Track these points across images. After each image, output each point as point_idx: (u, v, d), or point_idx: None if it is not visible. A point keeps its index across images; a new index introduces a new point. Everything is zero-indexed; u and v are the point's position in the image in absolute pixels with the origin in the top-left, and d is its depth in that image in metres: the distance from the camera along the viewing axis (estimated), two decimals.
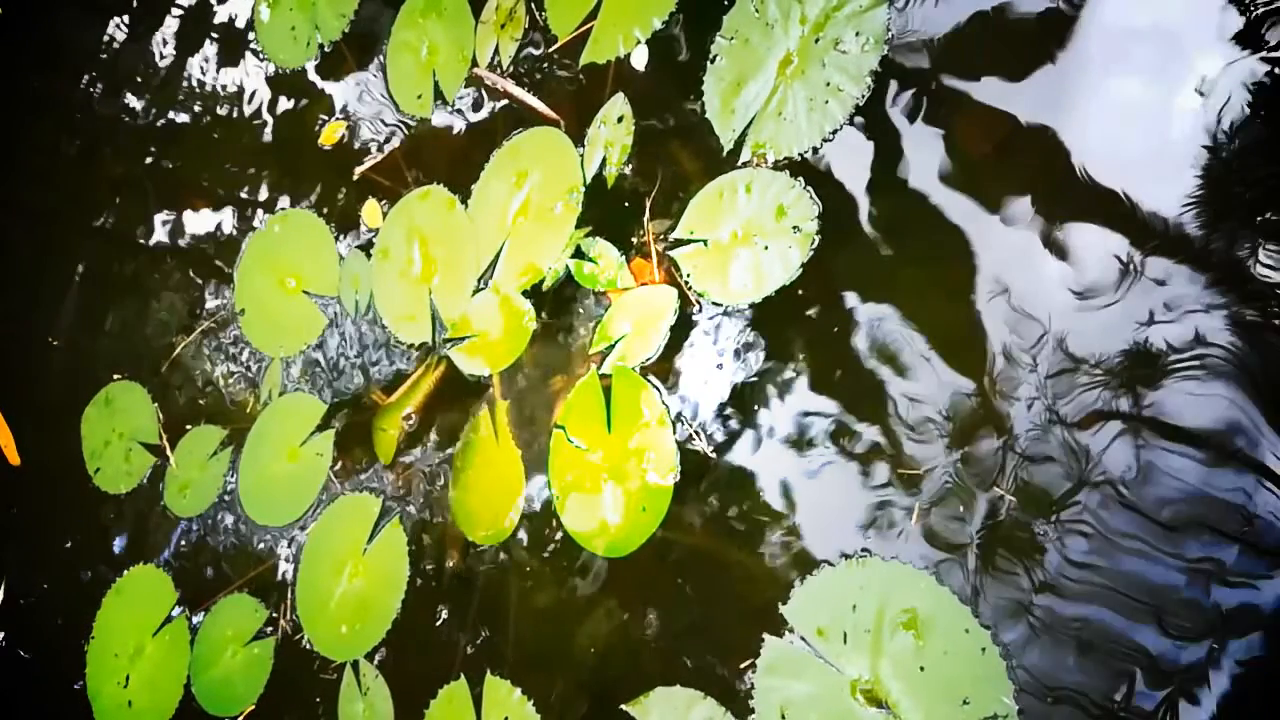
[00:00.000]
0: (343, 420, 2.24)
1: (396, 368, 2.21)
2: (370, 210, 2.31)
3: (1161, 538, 1.35)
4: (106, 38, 3.12)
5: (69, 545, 2.72)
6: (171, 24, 2.99)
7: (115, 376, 2.69)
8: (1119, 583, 1.37)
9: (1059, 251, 1.49)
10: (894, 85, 1.67)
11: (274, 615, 2.19)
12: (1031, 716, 1.37)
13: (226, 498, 2.37)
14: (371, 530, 2.09)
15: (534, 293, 2.00)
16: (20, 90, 3.32)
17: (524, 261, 2.01)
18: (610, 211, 1.95)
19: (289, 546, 2.24)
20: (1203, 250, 1.38)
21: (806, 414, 1.66)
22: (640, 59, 1.98)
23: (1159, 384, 1.38)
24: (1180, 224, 1.40)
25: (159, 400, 2.59)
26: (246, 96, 2.71)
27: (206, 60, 2.85)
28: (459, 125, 2.24)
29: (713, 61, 1.87)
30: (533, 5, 2.15)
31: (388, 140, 2.36)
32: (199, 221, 2.72)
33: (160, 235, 2.80)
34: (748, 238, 1.76)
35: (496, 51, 2.18)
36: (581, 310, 1.96)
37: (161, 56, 2.97)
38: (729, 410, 1.74)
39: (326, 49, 2.52)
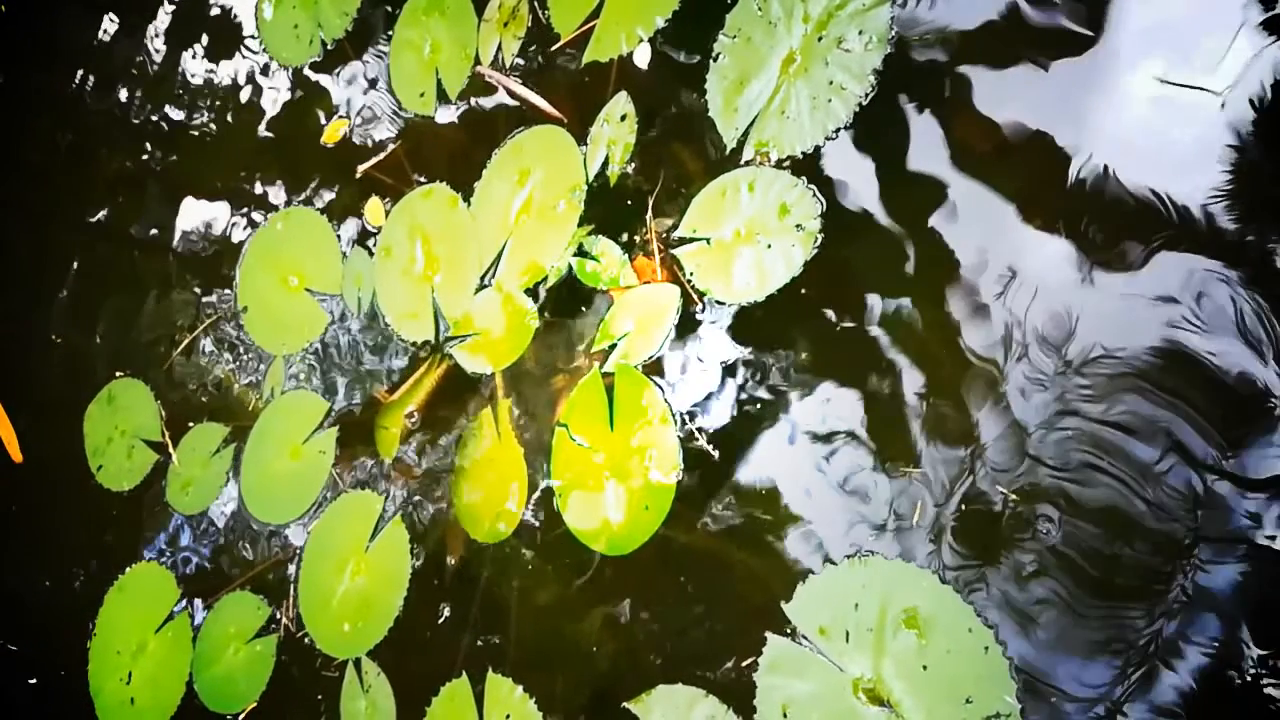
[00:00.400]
0: (345, 418, 2.24)
1: (399, 366, 2.21)
2: (373, 208, 2.31)
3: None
4: (109, 36, 3.12)
5: (71, 542, 2.72)
6: (174, 22, 2.99)
7: (117, 374, 2.70)
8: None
9: (1071, 245, 1.49)
10: (898, 82, 1.67)
11: (276, 613, 2.19)
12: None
13: (228, 495, 2.37)
14: (374, 528, 2.09)
15: (536, 291, 2.00)
16: (22, 88, 3.32)
17: (526, 260, 2.01)
18: (613, 210, 1.95)
19: (292, 541, 2.24)
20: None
21: (809, 412, 1.66)
22: (643, 57, 1.98)
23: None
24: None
25: (161, 397, 2.59)
26: (249, 94, 2.71)
27: (209, 58, 2.85)
28: (461, 123, 2.24)
29: (715, 60, 1.87)
30: (535, 3, 2.15)
31: (390, 139, 2.36)
32: (201, 219, 2.72)
33: (162, 233, 2.80)
34: (750, 236, 1.76)
35: (499, 49, 2.18)
36: (584, 309, 1.96)
37: (164, 55, 2.97)
38: (732, 408, 1.74)
39: (329, 47, 2.52)
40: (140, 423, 2.59)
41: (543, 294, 2.00)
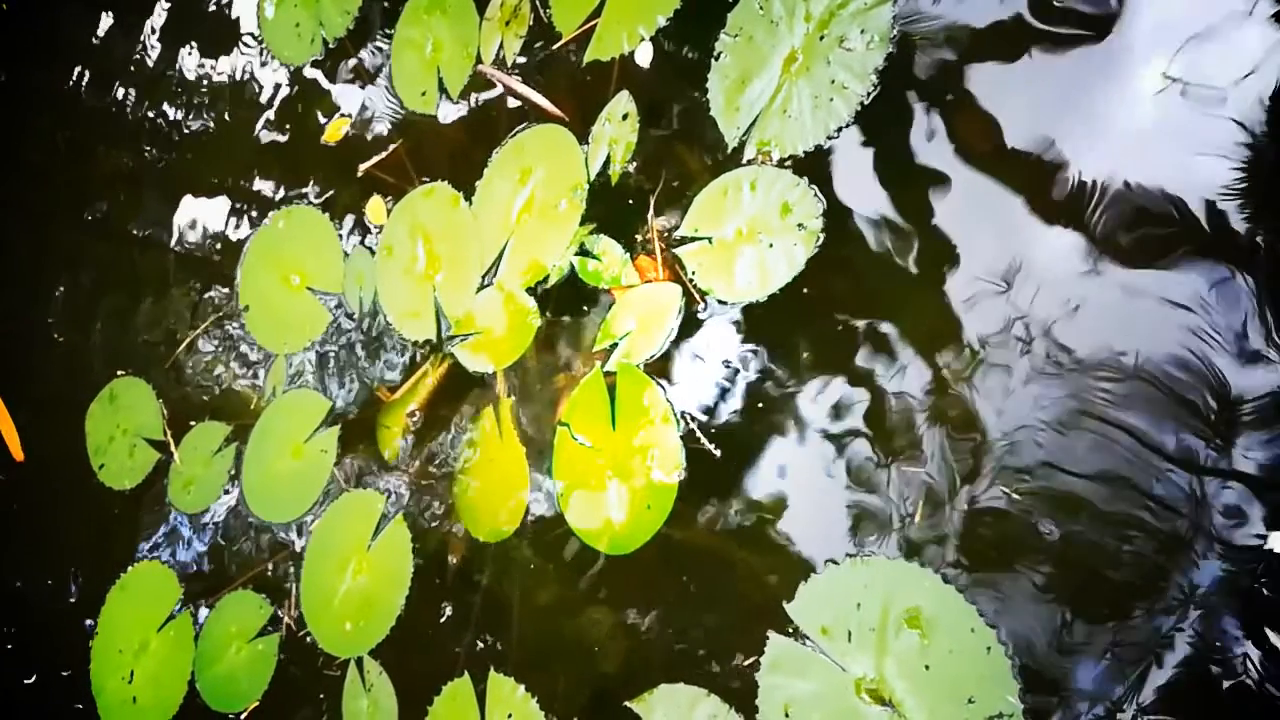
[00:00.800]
0: (347, 417, 2.24)
1: (401, 365, 2.21)
2: (374, 207, 2.31)
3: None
4: (110, 35, 3.11)
5: (73, 541, 2.73)
6: (175, 21, 2.99)
7: (119, 372, 2.70)
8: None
9: (1076, 242, 1.48)
10: (901, 80, 1.67)
11: (278, 612, 2.19)
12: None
13: (230, 494, 2.37)
14: (375, 527, 2.09)
15: (538, 290, 2.00)
16: (24, 86, 3.33)
17: (528, 259, 2.01)
18: (614, 209, 1.95)
19: (296, 538, 2.24)
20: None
21: (811, 411, 1.66)
22: (644, 56, 1.98)
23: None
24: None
25: (163, 396, 2.59)
26: (251, 93, 2.71)
27: (210, 57, 2.85)
28: (463, 122, 2.24)
29: (717, 59, 1.87)
30: (537, 2, 2.15)
31: (392, 137, 2.36)
32: (203, 217, 2.72)
33: (164, 231, 2.80)
34: (752, 235, 1.76)
35: (501, 48, 2.18)
36: (586, 308, 1.96)
37: (166, 54, 2.96)
38: (734, 407, 1.74)
39: (331, 45, 2.52)
40: (142, 421, 2.59)
41: (544, 293, 2.00)
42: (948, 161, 1.62)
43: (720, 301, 1.78)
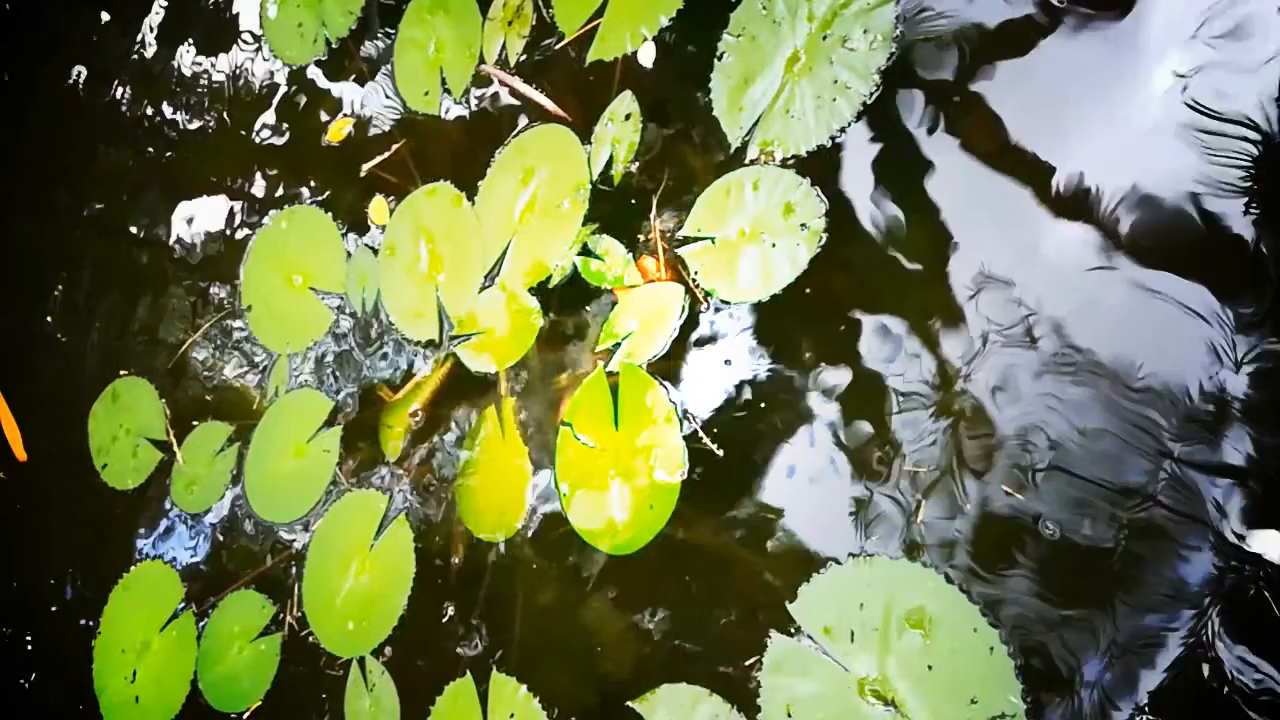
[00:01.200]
0: (349, 416, 2.24)
1: (403, 364, 2.21)
2: (377, 207, 2.31)
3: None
4: (114, 34, 3.12)
5: (75, 541, 2.73)
6: (178, 21, 2.99)
7: (122, 372, 2.70)
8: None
9: (1080, 240, 1.48)
10: (902, 81, 1.67)
11: (280, 612, 2.19)
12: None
13: (233, 494, 2.37)
14: (378, 527, 2.09)
15: (540, 290, 2.00)
16: (26, 85, 3.33)
17: (531, 258, 2.01)
18: (617, 209, 1.95)
19: (298, 538, 2.24)
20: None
21: (813, 411, 1.66)
22: (647, 56, 1.98)
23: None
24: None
25: (166, 396, 2.59)
26: (253, 93, 2.71)
27: (214, 57, 2.85)
28: (466, 122, 2.24)
29: (720, 59, 1.87)
30: (539, 2, 2.15)
31: (394, 137, 2.36)
32: (206, 217, 2.72)
33: (167, 231, 2.80)
34: (755, 235, 1.76)
35: (504, 48, 2.18)
36: (588, 308, 1.96)
37: (169, 54, 2.97)
38: (736, 407, 1.74)
39: (333, 45, 2.52)
40: (145, 421, 2.59)
41: (547, 293, 2.00)
42: (950, 161, 1.61)
43: (723, 301, 1.78)
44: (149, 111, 2.96)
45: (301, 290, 2.39)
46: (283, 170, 2.59)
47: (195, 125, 2.84)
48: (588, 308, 1.96)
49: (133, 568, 2.50)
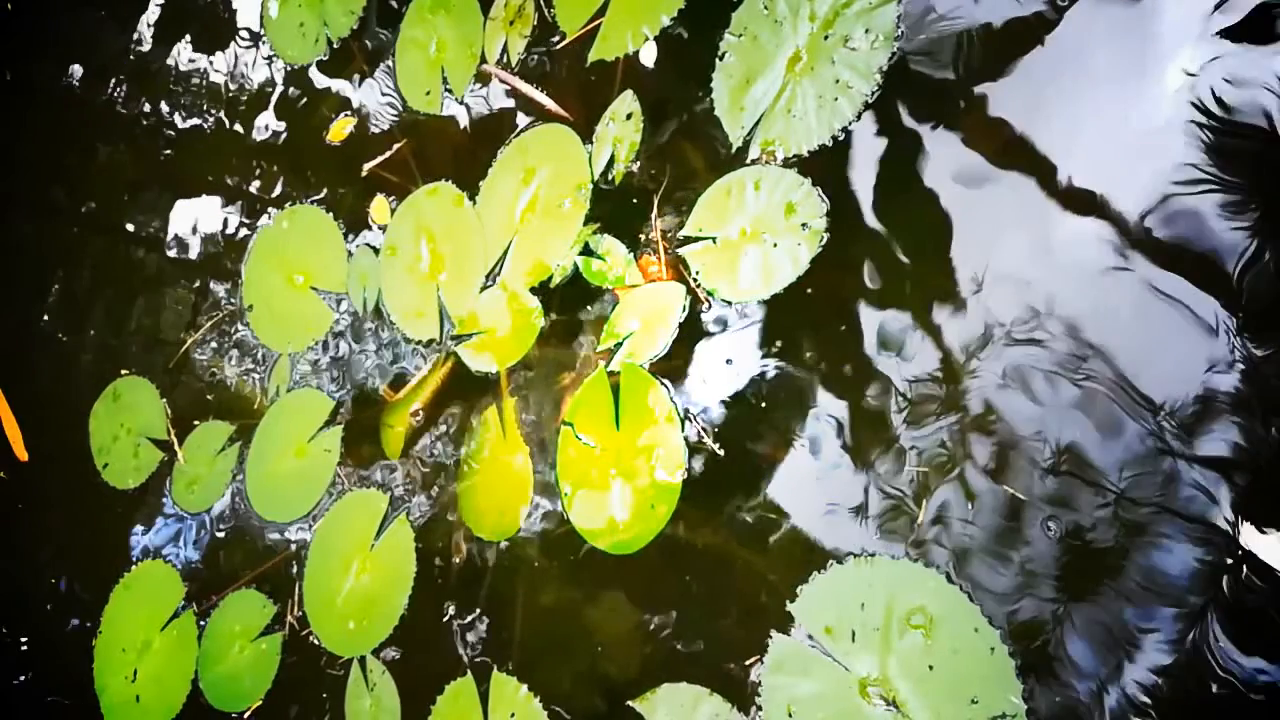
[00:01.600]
0: (350, 416, 2.24)
1: (404, 364, 2.21)
2: (378, 207, 2.31)
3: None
4: (114, 34, 3.12)
5: (76, 540, 2.73)
6: (179, 21, 2.99)
7: (123, 372, 2.70)
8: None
9: (1074, 243, 1.48)
10: (903, 81, 1.67)
11: (280, 612, 2.19)
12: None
13: (234, 493, 2.37)
14: (379, 526, 2.09)
15: (542, 289, 2.00)
16: (27, 85, 3.33)
17: (532, 258, 2.01)
18: (618, 208, 1.95)
19: (299, 538, 2.24)
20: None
21: (815, 411, 1.66)
22: (649, 55, 1.98)
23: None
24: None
25: (167, 396, 2.59)
26: (255, 93, 2.72)
27: (214, 57, 2.85)
28: (467, 122, 2.24)
29: (721, 59, 1.87)
30: (541, 2, 2.15)
31: (396, 137, 2.36)
32: (207, 217, 2.72)
33: (168, 231, 2.80)
34: (756, 235, 1.76)
35: (505, 48, 2.18)
36: (589, 307, 1.96)
37: (170, 54, 2.97)
38: (737, 407, 1.74)
39: (335, 45, 2.52)
40: (146, 421, 2.59)
41: (548, 293, 2.00)
42: (951, 161, 1.61)
43: (724, 301, 1.78)
44: (150, 111, 2.96)
45: (303, 290, 2.39)
46: (284, 170, 2.59)
47: (197, 124, 2.84)
48: (589, 307, 1.96)
49: (134, 567, 2.50)
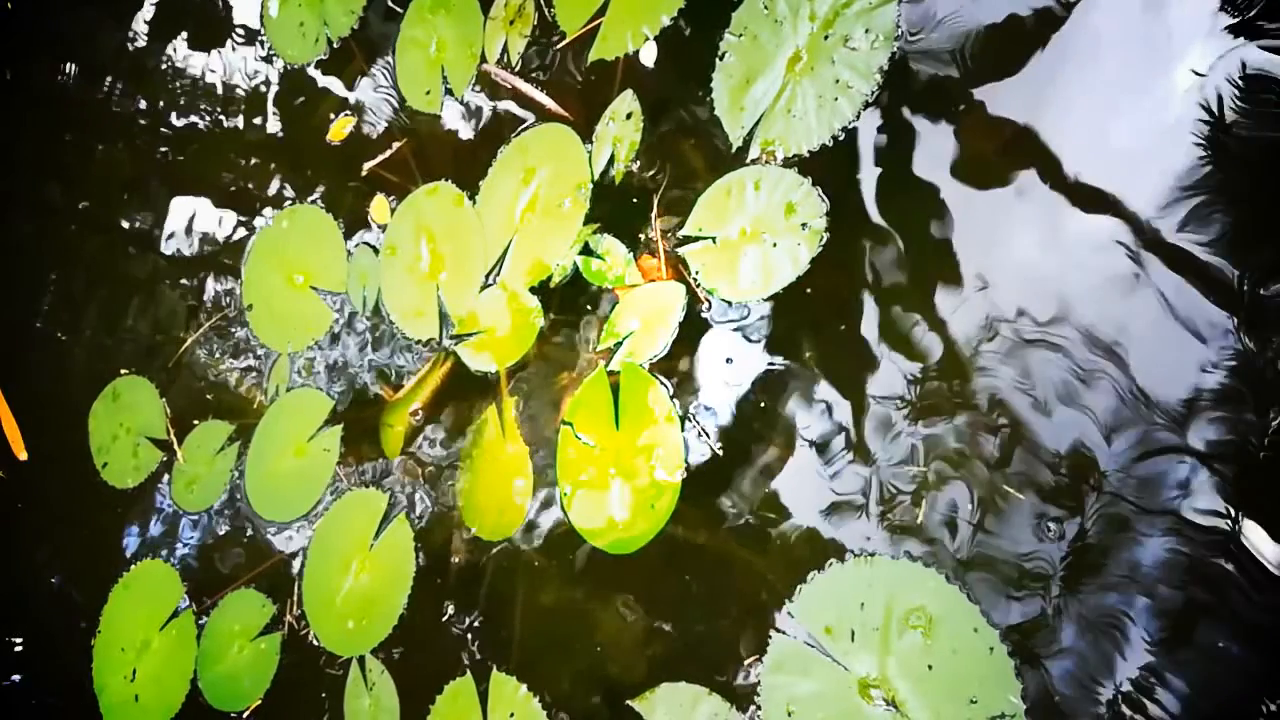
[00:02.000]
0: (349, 415, 2.24)
1: (404, 363, 2.21)
2: (378, 206, 2.31)
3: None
4: (115, 34, 3.12)
5: (75, 539, 2.73)
6: (180, 21, 2.99)
7: (122, 371, 2.70)
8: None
9: (1073, 245, 1.48)
10: (903, 81, 1.67)
11: (279, 611, 2.19)
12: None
13: (233, 492, 2.37)
14: (378, 526, 2.09)
15: (541, 289, 2.00)
16: (27, 85, 3.33)
17: (532, 258, 2.01)
18: (618, 208, 1.95)
19: (298, 537, 2.24)
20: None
21: (814, 410, 1.66)
22: (649, 55, 1.98)
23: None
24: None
25: (166, 395, 2.59)
26: (255, 93, 2.72)
27: (215, 57, 2.85)
28: (467, 121, 2.24)
29: (721, 59, 1.87)
30: (541, 1, 2.15)
31: (396, 136, 2.36)
32: (207, 217, 2.72)
33: (168, 230, 2.80)
34: (756, 235, 1.76)
35: (505, 48, 2.18)
36: (589, 307, 1.96)
37: (170, 53, 2.97)
38: (737, 406, 1.74)
39: (335, 44, 2.52)
40: (145, 420, 2.59)
41: (548, 292, 2.00)
42: (953, 159, 1.61)
43: (724, 301, 1.78)
44: (151, 110, 2.96)
45: (303, 289, 2.39)
46: (284, 169, 2.59)
47: (197, 124, 2.84)
48: (589, 307, 1.96)
49: (133, 566, 2.50)
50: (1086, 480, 1.41)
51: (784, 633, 1.58)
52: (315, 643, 2.12)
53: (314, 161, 2.51)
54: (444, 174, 2.20)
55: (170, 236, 2.79)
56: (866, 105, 1.68)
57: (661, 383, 1.80)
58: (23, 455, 2.88)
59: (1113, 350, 1.42)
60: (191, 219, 2.76)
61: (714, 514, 1.71)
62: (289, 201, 2.52)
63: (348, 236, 2.35)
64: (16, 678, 2.72)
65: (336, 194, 2.44)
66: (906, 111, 1.67)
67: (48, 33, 3.31)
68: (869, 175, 1.69)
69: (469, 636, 1.94)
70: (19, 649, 2.77)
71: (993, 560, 1.46)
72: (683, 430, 1.75)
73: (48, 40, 3.30)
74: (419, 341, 2.18)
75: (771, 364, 1.73)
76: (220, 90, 2.81)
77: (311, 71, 2.58)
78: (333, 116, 2.49)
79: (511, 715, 1.82)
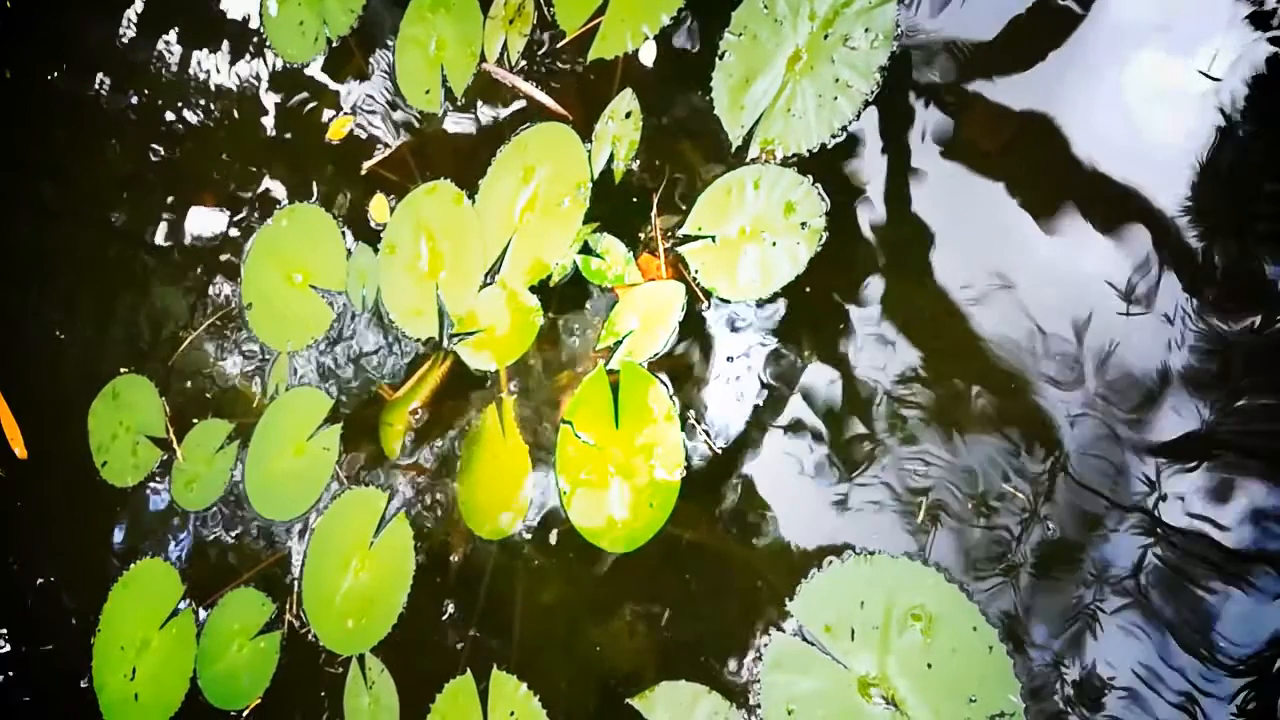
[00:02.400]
0: (349, 414, 2.24)
1: (404, 363, 2.21)
2: (378, 205, 2.31)
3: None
4: (115, 34, 3.12)
5: (75, 538, 2.73)
6: (179, 21, 2.99)
7: (122, 370, 2.70)
8: None
9: (1073, 245, 1.48)
10: (903, 80, 1.67)
11: (278, 611, 2.19)
12: None
13: (233, 492, 2.37)
14: (378, 525, 2.09)
15: (541, 288, 2.00)
16: (27, 85, 3.33)
17: (531, 257, 2.01)
18: (618, 207, 1.95)
19: (298, 536, 2.24)
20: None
21: (814, 410, 1.66)
22: (648, 55, 1.98)
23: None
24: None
25: (166, 394, 2.59)
26: (255, 92, 2.71)
27: (214, 56, 2.85)
28: (467, 120, 2.24)
29: (721, 58, 1.87)
30: (541, 0, 2.15)
31: (395, 136, 2.36)
32: (207, 216, 2.72)
33: (168, 229, 2.80)
34: (756, 234, 1.76)
35: (505, 47, 2.18)
36: (589, 306, 1.96)
37: (170, 52, 2.97)
38: (737, 405, 1.74)
39: (334, 44, 2.52)
40: (145, 419, 2.59)
41: (547, 291, 2.00)
42: (952, 160, 1.62)
43: (723, 300, 1.78)
44: (150, 109, 2.96)
45: (302, 288, 2.39)
46: (284, 168, 2.59)
47: (196, 123, 2.84)
48: (588, 306, 1.96)
49: (132, 565, 2.50)
50: (1086, 481, 1.42)
51: (784, 631, 1.59)
52: (315, 641, 2.11)
53: (314, 160, 2.51)
54: (443, 173, 2.20)
55: (170, 235, 2.79)
56: (866, 104, 1.68)
57: (661, 381, 1.80)
58: (22, 454, 2.88)
59: (1116, 357, 1.43)
60: (191, 217, 2.76)
61: (714, 512, 1.71)
62: (288, 200, 2.52)
63: (346, 236, 2.35)
64: (10, 673, 2.72)
65: (336, 193, 2.43)
66: (907, 109, 1.67)
67: (48, 32, 3.31)
68: (869, 174, 1.69)
69: (469, 635, 1.94)
70: (12, 646, 2.77)
71: (992, 559, 1.46)
72: (682, 429, 1.76)
73: (48, 39, 3.29)
74: (418, 340, 2.17)
75: (771, 362, 1.73)
76: (220, 90, 2.81)
77: (311, 71, 2.58)
78: (332, 115, 2.49)
79: (512, 714, 1.82)
